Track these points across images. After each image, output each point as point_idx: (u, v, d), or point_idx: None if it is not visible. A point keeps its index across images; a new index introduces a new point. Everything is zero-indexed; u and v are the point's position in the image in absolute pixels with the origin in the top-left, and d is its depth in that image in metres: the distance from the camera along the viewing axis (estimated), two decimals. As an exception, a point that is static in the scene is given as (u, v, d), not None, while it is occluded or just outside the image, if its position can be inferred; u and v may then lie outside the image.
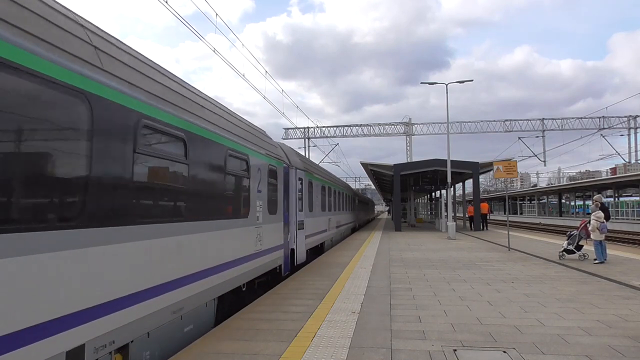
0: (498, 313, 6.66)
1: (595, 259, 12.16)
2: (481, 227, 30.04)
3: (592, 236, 12.29)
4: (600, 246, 12.19)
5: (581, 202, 68.23)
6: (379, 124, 51.53)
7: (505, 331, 5.67)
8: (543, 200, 75.88)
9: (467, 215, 33.89)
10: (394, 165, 30.74)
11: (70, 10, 4.09)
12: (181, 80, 6.24)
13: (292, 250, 11.25)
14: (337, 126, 52.19)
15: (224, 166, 6.54)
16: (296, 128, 51.30)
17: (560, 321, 6.16)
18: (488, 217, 32.53)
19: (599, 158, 67.99)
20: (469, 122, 49.41)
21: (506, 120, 48.96)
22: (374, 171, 35.13)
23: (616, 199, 50.66)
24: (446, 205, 28.34)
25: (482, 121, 49.32)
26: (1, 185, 2.95)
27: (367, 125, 51.63)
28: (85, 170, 3.66)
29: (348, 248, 17.54)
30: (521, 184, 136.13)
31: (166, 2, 11.91)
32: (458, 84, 26.09)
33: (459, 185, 42.39)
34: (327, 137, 52.33)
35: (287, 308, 7.03)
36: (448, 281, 9.57)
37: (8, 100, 2.98)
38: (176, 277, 5.08)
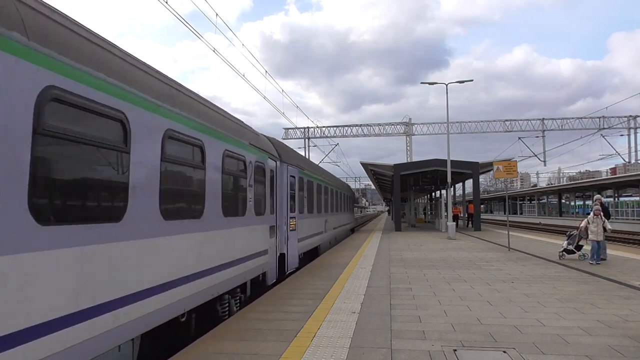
0: (498, 313, 6.66)
1: (592, 260, 12.00)
2: (467, 224, 34.40)
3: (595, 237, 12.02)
4: (598, 246, 12.07)
5: (581, 202, 68.25)
6: (379, 124, 51.55)
7: (505, 331, 5.67)
8: (543, 200, 75.90)
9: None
10: (394, 165, 30.73)
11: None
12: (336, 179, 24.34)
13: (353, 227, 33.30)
14: (337, 126, 52.24)
15: (344, 198, 26.20)
16: (296, 128, 51.32)
17: (560, 321, 6.15)
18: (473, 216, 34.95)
19: (599, 158, 68.01)
20: (469, 122, 49.42)
21: (506, 120, 48.96)
22: (374, 171, 35.13)
23: (616, 199, 50.69)
24: (446, 205, 28.35)
25: (482, 121, 49.32)
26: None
27: (367, 125, 51.66)
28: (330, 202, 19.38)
29: (348, 248, 17.55)
30: (521, 184, 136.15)
31: (166, 2, 11.91)
32: (458, 84, 26.09)
33: (459, 185, 42.37)
34: (327, 137, 52.34)
35: (287, 308, 7.03)
36: (448, 281, 9.56)
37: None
38: (337, 226, 21.22)
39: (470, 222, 33.97)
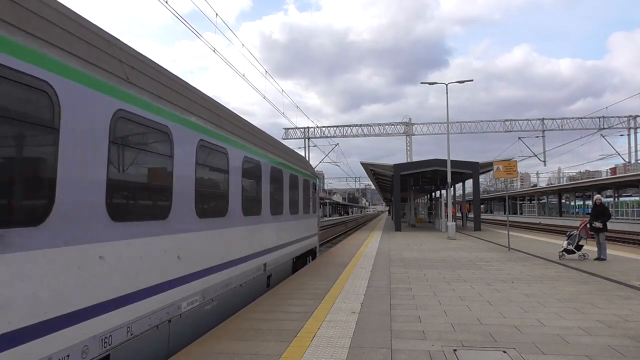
0: (498, 313, 6.66)
1: None
2: (463, 224, 36.14)
3: None
4: None
5: (581, 202, 68.29)
6: (379, 124, 51.61)
7: (505, 331, 5.67)
8: (543, 200, 75.91)
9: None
10: (394, 165, 30.73)
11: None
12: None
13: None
14: (337, 126, 52.31)
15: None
16: (296, 128, 51.34)
17: (560, 321, 6.15)
18: (468, 215, 37.98)
19: (599, 158, 68.09)
20: (469, 122, 49.54)
21: (506, 120, 49.06)
22: (374, 171, 35.16)
23: (616, 199, 50.71)
24: (446, 205, 28.36)
25: (482, 121, 49.39)
26: None
27: (367, 125, 51.73)
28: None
29: (348, 248, 17.55)
30: (521, 184, 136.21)
31: (166, 1, 11.90)
32: (458, 83, 26.08)
33: (459, 185, 42.38)
34: (327, 137, 52.40)
35: (287, 308, 7.03)
36: (448, 281, 9.56)
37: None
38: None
39: (466, 221, 34.59)
